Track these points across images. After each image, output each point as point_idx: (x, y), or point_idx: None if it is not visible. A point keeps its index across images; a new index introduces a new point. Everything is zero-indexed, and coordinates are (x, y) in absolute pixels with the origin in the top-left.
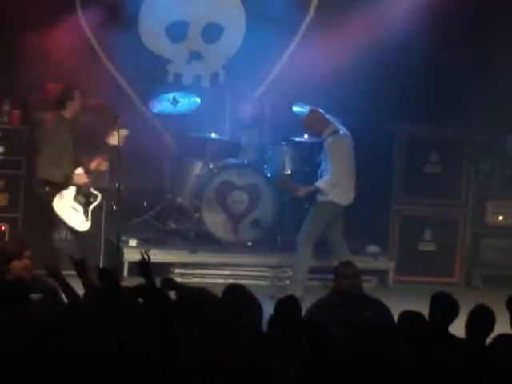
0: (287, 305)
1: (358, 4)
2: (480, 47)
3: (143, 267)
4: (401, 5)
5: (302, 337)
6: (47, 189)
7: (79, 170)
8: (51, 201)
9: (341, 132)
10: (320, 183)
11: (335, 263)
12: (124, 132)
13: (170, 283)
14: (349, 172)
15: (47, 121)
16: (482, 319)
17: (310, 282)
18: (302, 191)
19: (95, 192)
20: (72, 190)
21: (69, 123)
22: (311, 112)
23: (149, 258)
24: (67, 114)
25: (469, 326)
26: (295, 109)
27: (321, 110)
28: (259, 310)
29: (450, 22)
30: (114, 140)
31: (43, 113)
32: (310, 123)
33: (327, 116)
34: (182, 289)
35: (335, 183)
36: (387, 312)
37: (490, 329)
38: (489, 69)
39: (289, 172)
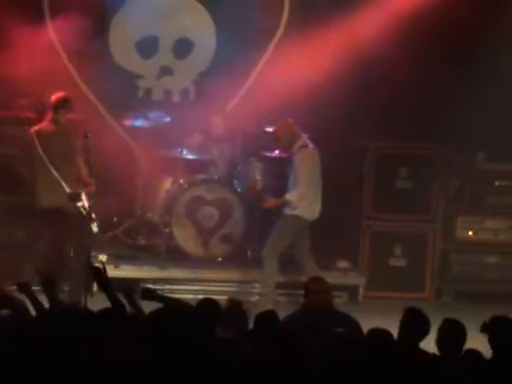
0: (266, 319)
1: (330, 19)
2: (455, 65)
3: (99, 278)
4: (372, 20)
5: (281, 348)
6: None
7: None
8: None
9: (310, 146)
10: (289, 196)
11: (304, 279)
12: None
13: (149, 293)
14: (315, 187)
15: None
16: (453, 333)
17: (279, 297)
18: (271, 203)
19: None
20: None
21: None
22: (284, 124)
23: (104, 269)
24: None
25: (440, 341)
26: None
27: (291, 122)
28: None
29: (425, 38)
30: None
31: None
32: (281, 134)
33: (297, 129)
34: (162, 299)
35: (303, 196)
36: (358, 328)
37: (463, 341)
38: (462, 86)
39: (258, 178)
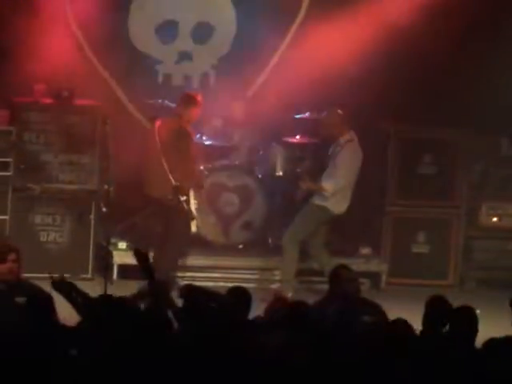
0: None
1: (351, 2)
2: (477, 49)
3: (143, 263)
4: (396, 4)
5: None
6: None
7: None
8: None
9: (355, 141)
10: (326, 184)
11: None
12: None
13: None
14: (350, 183)
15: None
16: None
17: (299, 284)
18: (308, 184)
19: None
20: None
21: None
22: (333, 112)
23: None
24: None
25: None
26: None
27: (342, 113)
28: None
29: (446, 24)
30: None
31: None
32: (329, 124)
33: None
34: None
35: (340, 189)
36: (384, 316)
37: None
38: (485, 70)
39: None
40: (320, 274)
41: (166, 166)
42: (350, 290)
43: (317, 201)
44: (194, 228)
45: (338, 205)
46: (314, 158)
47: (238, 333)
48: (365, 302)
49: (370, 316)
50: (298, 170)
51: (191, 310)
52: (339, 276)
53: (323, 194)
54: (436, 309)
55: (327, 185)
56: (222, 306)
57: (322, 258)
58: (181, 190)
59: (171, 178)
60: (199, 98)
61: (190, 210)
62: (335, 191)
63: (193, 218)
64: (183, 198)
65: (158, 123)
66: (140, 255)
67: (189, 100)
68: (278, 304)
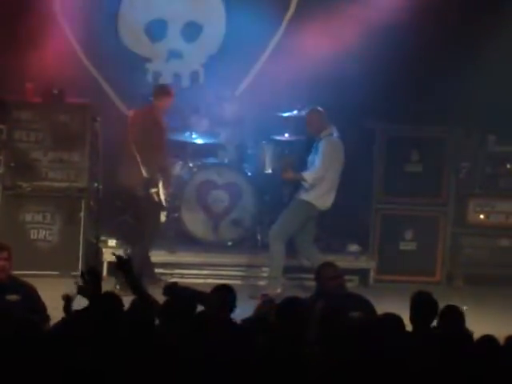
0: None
1: (338, 2)
2: (463, 47)
3: (122, 265)
4: (381, 3)
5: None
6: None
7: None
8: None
9: (335, 135)
10: (305, 173)
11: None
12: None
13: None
14: (334, 176)
15: None
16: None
17: (287, 281)
18: (289, 174)
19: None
20: None
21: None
22: (314, 111)
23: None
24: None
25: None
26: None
27: (322, 110)
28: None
29: (433, 21)
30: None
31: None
32: (312, 121)
33: (326, 118)
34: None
35: (319, 178)
36: (372, 311)
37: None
38: (471, 68)
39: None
40: (309, 271)
41: (138, 157)
42: (332, 288)
43: (301, 196)
44: (163, 218)
45: (323, 200)
46: (302, 156)
47: (222, 331)
48: (352, 297)
49: (358, 311)
50: (281, 162)
51: (175, 308)
52: (322, 273)
53: (305, 186)
54: (421, 304)
55: (306, 174)
56: (206, 305)
57: (312, 255)
58: (151, 182)
59: (143, 169)
60: (171, 88)
61: (160, 202)
62: (314, 181)
63: (163, 209)
64: (154, 190)
65: (130, 114)
66: (123, 266)
67: (160, 90)
68: (267, 307)
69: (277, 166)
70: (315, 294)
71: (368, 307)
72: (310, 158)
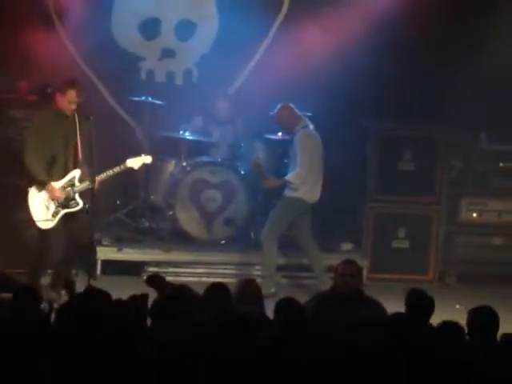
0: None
1: (331, 1)
2: (453, 46)
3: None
4: (375, 1)
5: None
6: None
7: (57, 184)
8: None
9: (311, 127)
10: (289, 176)
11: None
12: (148, 159)
13: (156, 280)
14: (317, 169)
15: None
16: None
17: (281, 279)
18: (271, 183)
19: (78, 200)
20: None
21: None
22: (283, 107)
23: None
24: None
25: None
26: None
27: (292, 105)
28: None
29: (424, 20)
30: (133, 164)
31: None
32: (282, 118)
33: (298, 112)
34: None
35: (304, 177)
36: (384, 313)
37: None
38: (462, 67)
39: (260, 156)
40: (306, 269)
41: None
42: (339, 284)
43: (288, 193)
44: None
45: (311, 193)
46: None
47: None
48: (364, 297)
49: (369, 312)
50: (253, 167)
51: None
52: (336, 268)
53: (292, 186)
54: (416, 301)
55: (290, 177)
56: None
57: (311, 251)
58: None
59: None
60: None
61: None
62: (301, 179)
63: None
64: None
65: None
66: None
67: (64, 84)
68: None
69: (270, 166)
70: (330, 290)
71: (380, 310)
72: (290, 153)
